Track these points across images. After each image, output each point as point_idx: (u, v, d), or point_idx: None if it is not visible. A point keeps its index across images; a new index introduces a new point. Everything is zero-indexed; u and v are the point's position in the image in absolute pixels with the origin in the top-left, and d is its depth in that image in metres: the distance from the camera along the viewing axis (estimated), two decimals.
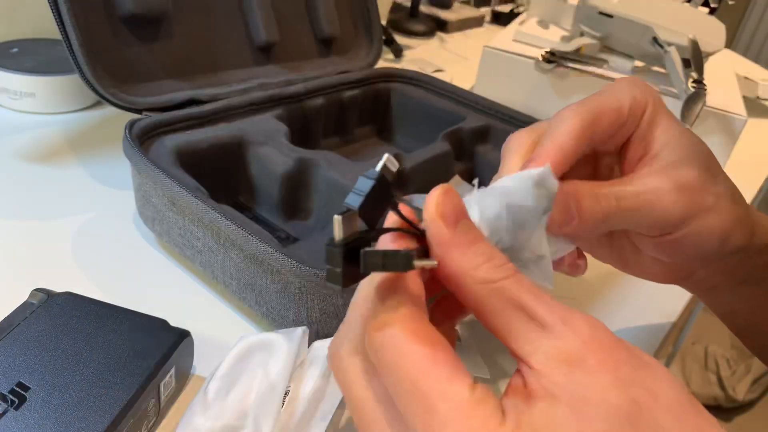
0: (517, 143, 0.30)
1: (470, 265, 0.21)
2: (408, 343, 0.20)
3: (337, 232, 0.20)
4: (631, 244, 0.34)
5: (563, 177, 0.27)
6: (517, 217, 0.24)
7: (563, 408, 0.19)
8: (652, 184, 0.29)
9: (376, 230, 0.22)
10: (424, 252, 0.23)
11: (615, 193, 0.28)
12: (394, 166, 0.24)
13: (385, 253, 0.20)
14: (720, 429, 0.20)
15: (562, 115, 0.29)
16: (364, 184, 0.22)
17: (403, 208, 0.23)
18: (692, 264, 0.32)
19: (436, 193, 0.22)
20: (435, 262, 0.22)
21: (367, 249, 0.20)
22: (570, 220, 0.26)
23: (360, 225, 0.21)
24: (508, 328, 0.21)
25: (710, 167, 0.30)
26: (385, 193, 0.23)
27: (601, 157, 0.33)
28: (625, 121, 0.30)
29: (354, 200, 0.21)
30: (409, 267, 0.20)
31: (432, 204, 0.22)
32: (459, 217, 0.22)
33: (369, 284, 0.23)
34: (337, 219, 0.20)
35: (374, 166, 0.23)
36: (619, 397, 0.19)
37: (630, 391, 0.19)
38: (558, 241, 0.28)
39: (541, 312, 0.20)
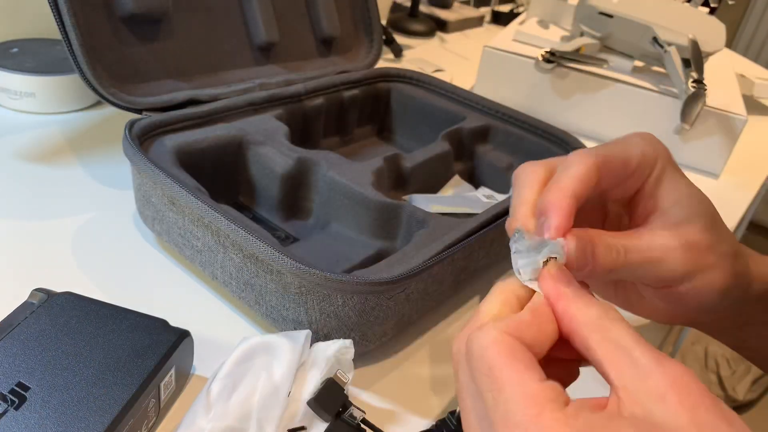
0: (530, 177, 0.31)
1: (588, 318, 0.25)
2: (495, 341, 0.24)
3: None
4: (635, 291, 0.35)
5: (574, 219, 0.29)
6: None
7: (626, 424, 0.21)
8: (660, 241, 0.30)
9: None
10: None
11: (625, 245, 0.30)
12: (346, 378, 0.34)
13: None
14: None
15: (571, 159, 0.30)
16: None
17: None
18: (692, 313, 0.34)
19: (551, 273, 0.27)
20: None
21: None
22: (585, 265, 0.28)
23: None
24: (609, 362, 0.23)
25: (716, 226, 0.32)
26: (340, 394, 0.34)
27: (611, 205, 0.35)
28: (632, 172, 0.31)
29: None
30: None
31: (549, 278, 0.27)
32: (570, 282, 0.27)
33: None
34: None
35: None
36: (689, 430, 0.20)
37: (701, 430, 0.21)
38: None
39: (638, 352, 0.23)
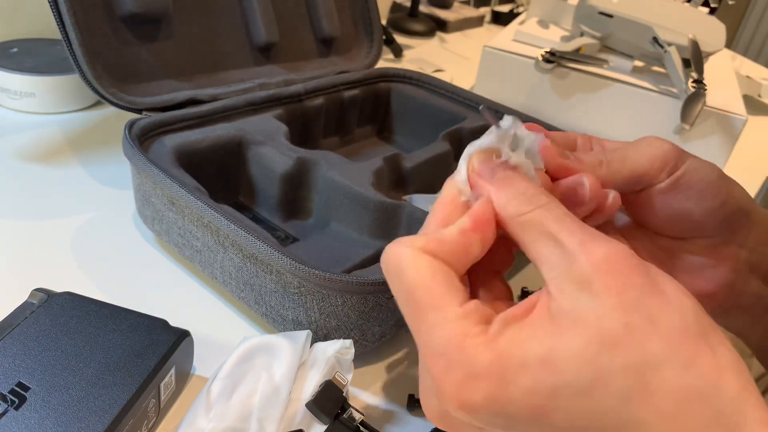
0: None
1: (501, 202, 0.24)
2: (412, 258, 0.22)
3: None
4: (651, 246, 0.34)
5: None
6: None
7: (545, 331, 0.20)
8: (637, 142, 0.30)
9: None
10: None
11: (607, 150, 0.30)
12: (344, 380, 0.35)
13: None
14: (724, 355, 0.20)
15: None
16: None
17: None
18: (694, 224, 0.32)
19: (474, 162, 0.26)
20: None
21: None
22: (566, 157, 0.28)
23: None
24: (538, 256, 0.22)
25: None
26: (338, 396, 0.34)
27: None
28: (574, 143, 0.32)
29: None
30: None
31: (472, 168, 0.26)
32: (494, 170, 0.25)
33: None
34: None
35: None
36: (613, 320, 0.19)
37: (628, 316, 0.20)
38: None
39: (563, 237, 0.21)
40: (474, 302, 0.22)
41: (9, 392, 0.30)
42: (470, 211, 0.24)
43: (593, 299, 0.20)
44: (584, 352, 0.19)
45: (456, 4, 1.35)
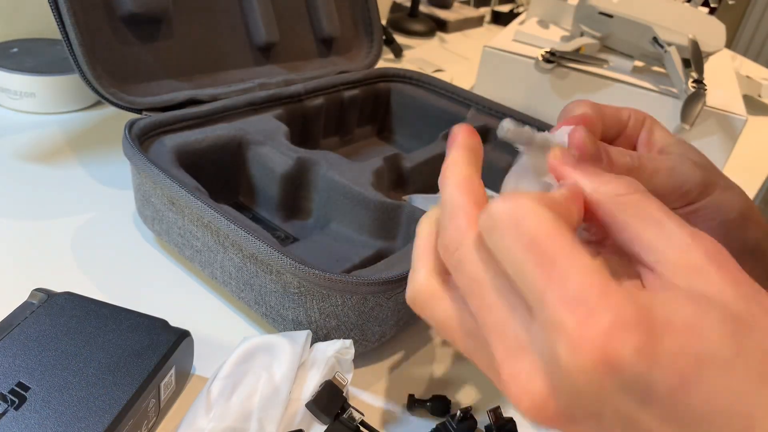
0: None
1: (595, 183, 0.23)
2: (534, 208, 0.20)
3: None
4: None
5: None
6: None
7: (683, 296, 0.19)
8: (670, 155, 0.31)
9: None
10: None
11: (637, 154, 0.30)
12: (344, 380, 0.35)
13: None
14: None
15: (573, 103, 0.31)
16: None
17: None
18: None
19: (557, 152, 0.26)
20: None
21: None
22: (598, 154, 0.28)
23: None
24: (638, 238, 0.22)
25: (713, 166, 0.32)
26: (338, 396, 0.34)
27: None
28: (625, 125, 0.32)
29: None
30: None
31: (555, 156, 0.25)
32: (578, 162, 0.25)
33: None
34: None
35: None
36: (738, 305, 0.19)
37: (749, 304, 0.19)
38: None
39: (672, 225, 0.21)
40: (600, 257, 0.21)
41: (9, 392, 0.30)
42: (563, 185, 0.24)
43: (711, 286, 0.20)
44: (723, 327, 0.19)
45: (456, 4, 1.35)
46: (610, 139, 0.32)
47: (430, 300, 0.24)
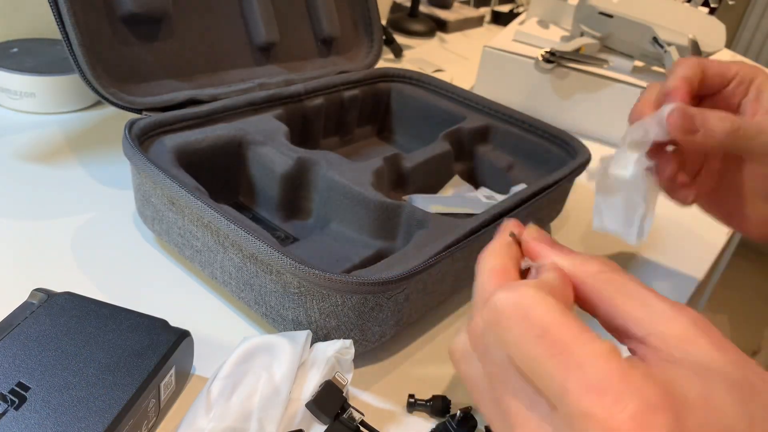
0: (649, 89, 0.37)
1: (576, 261, 0.25)
2: (539, 298, 0.21)
3: None
4: (739, 199, 0.38)
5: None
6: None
7: (687, 370, 0.20)
8: None
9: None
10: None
11: (737, 119, 0.32)
12: (344, 380, 0.35)
13: None
14: None
15: (676, 62, 0.35)
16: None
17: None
18: None
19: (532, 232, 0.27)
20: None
21: None
22: (691, 128, 0.31)
23: None
24: (624, 310, 0.23)
25: None
26: (338, 396, 0.34)
27: (710, 156, 0.40)
28: (729, 81, 0.35)
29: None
30: None
31: (531, 237, 0.27)
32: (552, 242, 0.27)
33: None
34: None
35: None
36: (734, 372, 0.20)
37: (744, 370, 0.20)
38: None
39: (652, 299, 0.22)
40: (607, 341, 0.21)
41: (9, 392, 0.30)
42: (541, 264, 0.25)
43: (704, 355, 0.21)
44: (731, 397, 0.19)
45: (456, 4, 1.35)
46: (711, 93, 0.35)
47: (465, 358, 0.25)
